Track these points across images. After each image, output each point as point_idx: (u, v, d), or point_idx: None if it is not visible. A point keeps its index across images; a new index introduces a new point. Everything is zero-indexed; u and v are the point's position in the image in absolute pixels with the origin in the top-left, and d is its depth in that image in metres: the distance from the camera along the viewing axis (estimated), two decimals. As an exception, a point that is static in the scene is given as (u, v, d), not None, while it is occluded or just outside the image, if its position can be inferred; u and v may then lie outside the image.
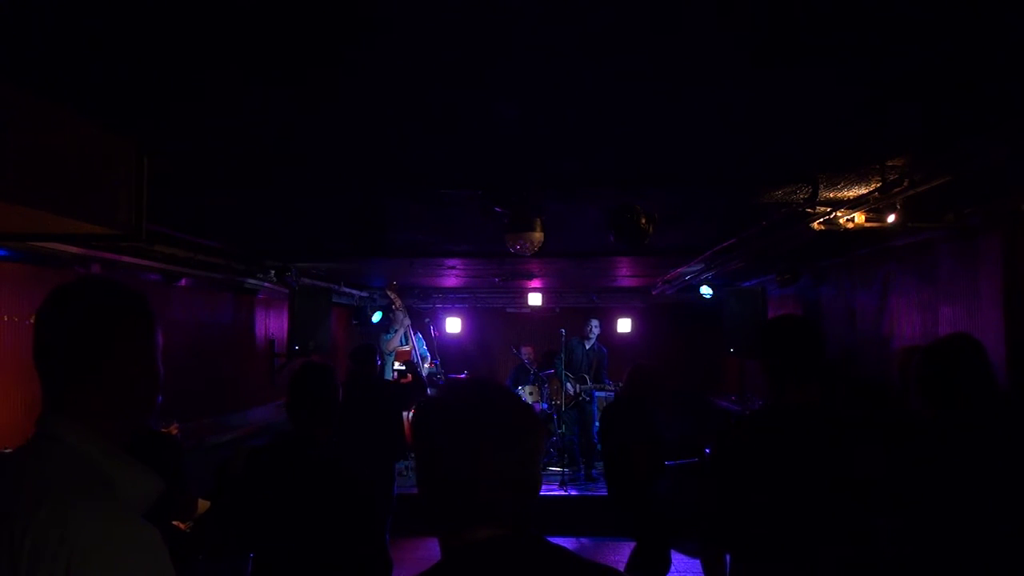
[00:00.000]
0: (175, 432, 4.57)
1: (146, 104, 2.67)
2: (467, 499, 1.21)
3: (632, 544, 5.25)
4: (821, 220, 4.12)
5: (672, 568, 5.33)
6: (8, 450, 4.18)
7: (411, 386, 6.67)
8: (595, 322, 9.77)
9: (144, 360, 1.30)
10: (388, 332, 9.22)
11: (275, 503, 2.75)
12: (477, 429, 1.22)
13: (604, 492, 8.12)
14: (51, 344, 1.27)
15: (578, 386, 9.34)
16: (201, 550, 3.13)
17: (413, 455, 1.34)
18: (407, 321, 9.13)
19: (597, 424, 9.41)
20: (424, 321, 10.28)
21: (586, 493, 8.13)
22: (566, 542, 7.20)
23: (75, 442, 1.21)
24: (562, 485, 8.25)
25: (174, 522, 3.60)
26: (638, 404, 5.31)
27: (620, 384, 9.16)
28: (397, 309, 8.99)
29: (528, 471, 1.25)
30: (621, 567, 6.54)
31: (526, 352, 10.07)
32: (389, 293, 8.92)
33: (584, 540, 7.30)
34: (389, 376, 9.00)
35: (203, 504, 3.83)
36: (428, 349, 9.82)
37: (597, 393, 9.43)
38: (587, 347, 9.63)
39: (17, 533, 1.08)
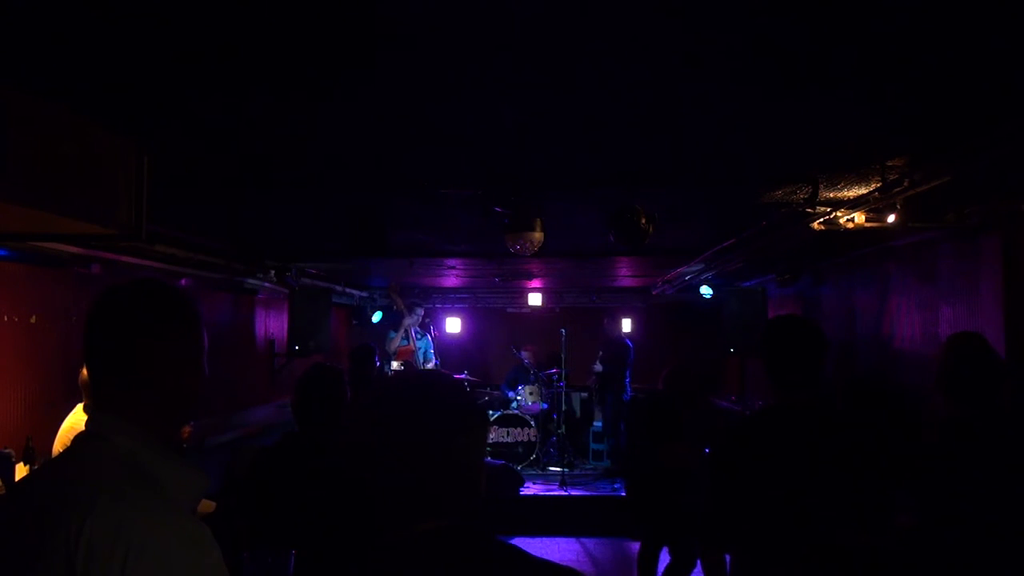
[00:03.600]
0: (188, 432, 4.55)
1: (146, 104, 2.68)
2: (405, 493, 1.20)
3: (635, 543, 5.25)
4: (821, 220, 4.12)
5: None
6: (8, 450, 4.17)
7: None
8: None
9: (188, 361, 1.32)
10: (392, 332, 9.27)
11: (280, 504, 2.75)
12: (413, 423, 1.21)
13: (606, 492, 8.15)
14: (98, 344, 1.29)
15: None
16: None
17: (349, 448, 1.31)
18: (407, 321, 9.14)
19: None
20: (424, 321, 10.29)
21: (588, 493, 8.13)
22: (567, 542, 7.20)
23: (122, 441, 1.23)
24: (562, 485, 8.25)
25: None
26: (667, 403, 5.33)
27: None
28: (398, 310, 9.02)
29: (468, 464, 1.23)
30: (621, 567, 6.53)
31: (526, 353, 10.08)
32: (391, 295, 8.95)
33: (585, 540, 7.29)
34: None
35: (206, 504, 3.81)
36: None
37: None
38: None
39: (73, 531, 1.10)
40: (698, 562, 4.96)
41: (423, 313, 9.85)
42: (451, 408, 1.25)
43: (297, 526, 2.71)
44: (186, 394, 1.32)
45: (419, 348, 9.39)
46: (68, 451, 1.28)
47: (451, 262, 7.51)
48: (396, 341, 9.08)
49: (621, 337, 9.65)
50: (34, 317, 4.52)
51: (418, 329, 9.49)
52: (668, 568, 5.07)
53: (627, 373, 9.21)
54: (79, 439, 1.28)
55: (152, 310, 1.30)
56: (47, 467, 1.37)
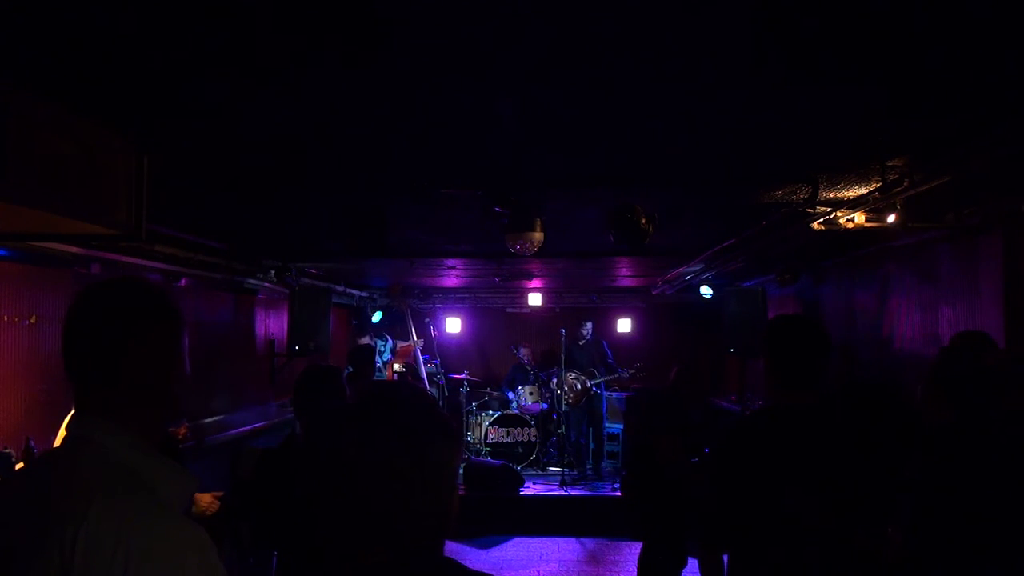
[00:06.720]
0: (183, 432, 4.55)
1: (146, 103, 2.68)
2: (354, 516, 1.10)
3: (635, 544, 5.23)
4: (821, 220, 4.12)
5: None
6: (8, 450, 4.16)
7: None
8: (588, 324, 9.94)
9: (166, 359, 1.29)
10: (379, 342, 9.48)
11: (284, 506, 2.75)
12: (368, 438, 1.10)
13: (606, 492, 8.15)
14: (75, 344, 1.27)
15: (588, 381, 9.38)
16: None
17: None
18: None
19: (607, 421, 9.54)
20: (424, 321, 10.32)
21: (587, 493, 8.13)
22: (567, 542, 7.20)
23: (109, 442, 1.21)
24: (562, 485, 8.25)
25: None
26: (676, 399, 5.34)
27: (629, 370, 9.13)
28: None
29: (430, 486, 1.11)
30: (621, 567, 6.53)
31: (524, 352, 10.12)
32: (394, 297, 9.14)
33: (585, 540, 7.29)
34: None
35: (211, 505, 3.79)
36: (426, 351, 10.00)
37: (605, 392, 9.54)
38: (581, 344, 9.72)
39: (68, 538, 1.08)
40: (691, 561, 4.97)
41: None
42: (413, 424, 1.13)
43: (300, 529, 2.71)
44: (165, 393, 1.29)
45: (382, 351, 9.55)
46: (55, 454, 1.26)
47: (451, 262, 7.52)
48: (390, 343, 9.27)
49: (594, 333, 9.81)
50: (34, 317, 4.52)
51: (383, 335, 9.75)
52: (653, 556, 5.06)
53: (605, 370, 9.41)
54: (65, 441, 1.26)
55: (127, 308, 1.27)
56: (33, 469, 1.35)
